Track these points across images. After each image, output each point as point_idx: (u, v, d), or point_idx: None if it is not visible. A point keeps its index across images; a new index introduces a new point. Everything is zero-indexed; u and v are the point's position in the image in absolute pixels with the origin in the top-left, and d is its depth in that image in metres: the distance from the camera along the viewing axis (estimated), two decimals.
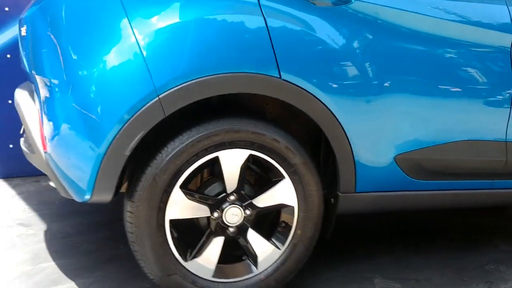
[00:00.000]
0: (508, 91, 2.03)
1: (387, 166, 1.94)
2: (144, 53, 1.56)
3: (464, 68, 1.96)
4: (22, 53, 2.05)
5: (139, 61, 1.56)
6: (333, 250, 2.34)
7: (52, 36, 1.64)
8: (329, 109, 1.78)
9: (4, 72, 3.16)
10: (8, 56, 3.16)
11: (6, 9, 3.11)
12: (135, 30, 1.57)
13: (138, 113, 1.58)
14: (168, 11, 1.61)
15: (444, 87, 1.94)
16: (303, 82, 1.72)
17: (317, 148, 2.00)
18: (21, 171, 3.30)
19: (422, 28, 1.90)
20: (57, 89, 1.64)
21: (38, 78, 1.72)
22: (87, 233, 2.45)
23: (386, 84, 1.85)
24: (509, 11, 2.02)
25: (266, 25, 1.67)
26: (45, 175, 3.12)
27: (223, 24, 1.64)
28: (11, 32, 3.14)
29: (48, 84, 1.67)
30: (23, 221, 2.56)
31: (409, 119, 1.91)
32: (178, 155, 1.66)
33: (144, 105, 1.58)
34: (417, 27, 1.89)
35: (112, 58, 1.59)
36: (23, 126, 2.09)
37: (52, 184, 1.92)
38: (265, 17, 1.67)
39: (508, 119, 2.06)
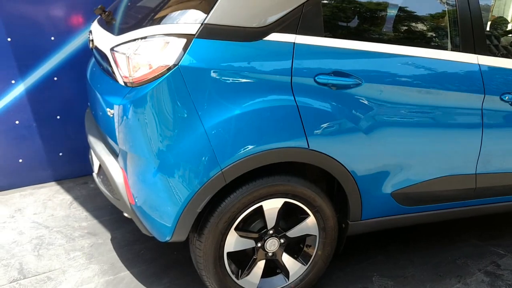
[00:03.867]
0: (478, 139, 2.63)
1: (386, 200, 2.58)
2: (211, 141, 2.12)
3: (445, 127, 2.54)
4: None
5: (208, 146, 2.12)
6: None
7: (141, 124, 2.16)
8: (343, 165, 2.37)
9: (54, 92, 3.64)
10: (55, 79, 3.62)
11: (52, 38, 3.53)
12: (203, 123, 2.11)
13: (207, 183, 2.16)
14: (227, 105, 2.14)
15: (430, 143, 2.53)
16: (324, 149, 2.30)
17: (330, 187, 2.60)
18: (71, 174, 3.87)
19: (415, 98, 2.45)
20: (145, 163, 2.20)
21: (129, 155, 2.26)
22: (144, 239, 3.06)
23: (385, 146, 2.43)
24: (482, 77, 2.57)
25: (299, 111, 2.21)
26: (91, 175, 3.73)
27: (269, 113, 2.18)
28: (57, 59, 3.59)
29: (138, 158, 2.23)
30: (90, 230, 3.16)
31: (401, 169, 2.52)
32: (233, 207, 2.26)
33: (211, 177, 2.16)
34: (412, 98, 2.44)
35: (187, 144, 2.13)
36: (99, 166, 2.64)
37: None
38: (298, 106, 2.21)
39: (478, 159, 2.68)
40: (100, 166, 2.65)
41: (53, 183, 3.80)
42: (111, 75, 2.35)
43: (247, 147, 2.17)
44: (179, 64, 2.07)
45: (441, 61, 2.50)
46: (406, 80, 2.43)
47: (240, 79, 2.15)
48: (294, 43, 2.21)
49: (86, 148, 3.80)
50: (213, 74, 2.11)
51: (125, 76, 2.18)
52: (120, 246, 3.00)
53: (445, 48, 2.59)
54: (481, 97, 2.58)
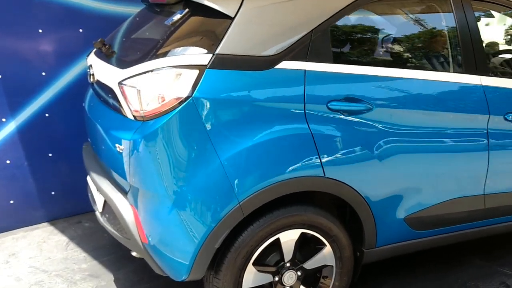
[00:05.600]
0: (485, 159, 2.64)
1: (399, 225, 2.54)
2: (228, 173, 2.06)
3: (453, 149, 2.55)
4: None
5: (224, 179, 2.06)
6: None
7: (154, 159, 2.08)
8: (357, 191, 2.34)
9: (45, 128, 3.53)
10: (47, 115, 3.52)
11: (43, 73, 3.44)
12: (219, 155, 2.06)
13: (225, 217, 2.09)
14: (242, 136, 2.09)
15: (438, 165, 2.53)
16: (340, 177, 2.27)
17: (341, 215, 2.56)
18: (64, 213, 3.73)
19: (422, 121, 2.45)
20: (159, 200, 2.12)
21: (141, 191, 2.18)
22: (148, 279, 2.94)
23: (397, 169, 2.42)
24: (485, 97, 2.60)
25: (314, 139, 2.18)
26: (84, 214, 3.61)
27: (285, 142, 2.14)
28: (48, 94, 3.49)
29: (151, 195, 2.14)
30: (91, 272, 3.03)
31: (413, 192, 2.51)
32: (251, 240, 2.19)
33: (229, 211, 2.09)
34: (420, 121, 2.44)
35: (203, 177, 2.07)
36: (103, 204, 2.54)
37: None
38: (313, 133, 2.18)
39: (485, 180, 2.69)
40: (105, 204, 2.56)
41: (46, 223, 3.65)
42: (118, 109, 2.28)
43: (265, 178, 2.12)
44: (192, 95, 2.03)
45: (446, 83, 2.52)
46: (412, 103, 2.43)
47: (254, 109, 2.11)
48: (305, 70, 2.19)
49: (79, 186, 3.69)
50: (227, 105, 2.08)
51: (136, 110, 2.12)
52: (125, 287, 2.88)
53: (448, 70, 2.60)
54: (486, 117, 2.60)
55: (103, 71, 2.46)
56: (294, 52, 2.18)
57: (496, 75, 2.80)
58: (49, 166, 3.61)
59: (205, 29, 2.21)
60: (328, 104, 2.22)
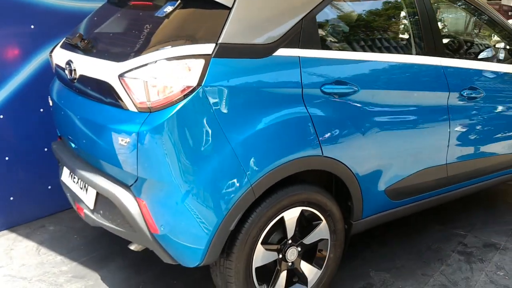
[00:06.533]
0: (447, 134, 2.94)
1: (381, 197, 2.77)
2: (239, 158, 2.14)
3: (422, 123, 2.81)
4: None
5: (236, 163, 2.14)
6: None
7: (166, 149, 2.09)
8: (349, 168, 2.52)
9: (2, 131, 3.34)
10: (1, 116, 3.33)
11: None
12: (230, 141, 2.13)
13: (239, 200, 2.17)
14: (250, 121, 2.17)
15: (410, 140, 2.80)
16: (335, 155, 2.44)
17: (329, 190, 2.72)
18: (25, 219, 3.55)
19: (395, 100, 2.68)
20: (172, 189, 2.13)
21: (150, 182, 2.17)
22: (136, 273, 2.92)
23: (379, 146, 2.63)
24: (445, 76, 2.89)
25: (312, 121, 2.32)
26: (46, 217, 3.48)
27: (288, 124, 2.26)
28: (1, 95, 3.31)
29: (163, 185, 2.15)
30: (74, 273, 2.93)
31: (391, 166, 2.74)
32: (259, 221, 2.29)
33: (243, 194, 2.17)
34: (394, 100, 2.68)
35: (216, 163, 2.13)
36: (95, 200, 2.49)
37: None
38: (311, 116, 2.32)
39: (447, 151, 2.99)
40: (96, 200, 2.51)
41: (6, 231, 3.46)
42: (113, 103, 2.25)
43: (273, 159, 2.23)
44: (202, 84, 2.07)
45: (414, 65, 2.78)
46: (388, 84, 2.66)
47: (259, 94, 2.21)
48: (299, 56, 2.32)
49: (39, 189, 3.56)
50: (233, 92, 2.15)
51: (141, 101, 2.12)
52: (116, 283, 2.84)
53: (414, 53, 2.86)
54: (447, 94, 2.89)
55: (91, 66, 2.40)
56: (289, 40, 2.30)
57: (452, 57, 3.10)
58: (6, 170, 3.42)
59: (203, 19, 2.24)
60: (322, 88, 2.37)
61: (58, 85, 2.88)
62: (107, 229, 2.48)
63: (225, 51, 2.13)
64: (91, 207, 2.55)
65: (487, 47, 3.44)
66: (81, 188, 2.64)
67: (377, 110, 2.59)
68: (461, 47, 3.50)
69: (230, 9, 2.19)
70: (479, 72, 3.16)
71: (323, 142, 2.37)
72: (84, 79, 2.46)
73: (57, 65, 2.80)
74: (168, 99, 2.09)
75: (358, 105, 2.51)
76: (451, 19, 3.96)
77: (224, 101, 2.13)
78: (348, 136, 2.49)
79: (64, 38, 2.86)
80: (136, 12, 2.59)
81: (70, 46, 2.66)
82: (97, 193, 2.46)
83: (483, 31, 3.83)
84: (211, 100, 2.10)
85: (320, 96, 2.37)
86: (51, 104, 2.92)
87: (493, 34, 3.57)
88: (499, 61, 3.31)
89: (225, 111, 2.13)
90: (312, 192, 2.45)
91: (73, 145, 2.66)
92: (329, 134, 2.40)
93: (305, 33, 2.35)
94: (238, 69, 2.17)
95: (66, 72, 2.57)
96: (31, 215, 3.60)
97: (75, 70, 2.51)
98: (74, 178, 2.72)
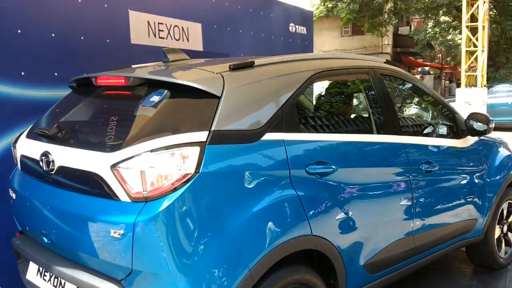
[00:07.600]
0: (411, 211, 3.13)
1: (361, 272, 2.84)
2: (237, 243, 2.14)
3: (390, 197, 2.99)
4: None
5: (234, 249, 2.14)
6: None
7: (164, 239, 2.04)
8: (333, 245, 2.59)
9: None
10: None
11: None
12: (227, 226, 2.13)
13: (238, 287, 2.14)
14: (245, 205, 2.20)
15: (381, 213, 2.94)
16: (321, 233, 2.51)
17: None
18: None
19: (365, 176, 2.84)
20: (170, 280, 2.05)
21: (145, 274, 2.08)
22: None
23: (357, 222, 2.74)
24: (405, 152, 3.12)
25: (301, 202, 2.40)
26: None
27: (281, 206, 2.32)
28: None
29: (160, 276, 2.07)
30: None
31: (368, 239, 2.85)
32: None
33: (242, 280, 2.15)
34: (364, 177, 2.83)
35: (215, 250, 2.11)
36: None
37: None
38: (300, 197, 2.39)
39: (412, 224, 3.16)
40: None
41: None
42: (100, 194, 2.20)
43: (269, 242, 2.25)
44: (200, 171, 2.10)
45: (380, 143, 2.99)
46: (360, 162, 2.84)
47: (253, 178, 2.27)
48: (283, 140, 2.43)
49: None
50: (229, 177, 2.19)
51: (137, 191, 2.09)
52: None
53: (378, 133, 3.07)
54: (408, 168, 3.11)
55: (74, 157, 2.34)
56: (273, 124, 2.41)
57: (409, 134, 3.36)
58: None
59: (193, 107, 2.30)
60: (306, 168, 2.48)
61: (23, 176, 2.75)
62: None
63: (218, 137, 2.19)
64: None
65: (429, 124, 3.77)
66: (55, 286, 2.47)
67: (353, 186, 2.73)
68: (412, 125, 3.81)
69: (219, 98, 2.27)
70: (430, 147, 3.43)
71: (311, 221, 2.44)
72: (63, 170, 2.39)
73: (24, 156, 2.70)
74: (166, 187, 2.08)
75: (337, 183, 2.63)
76: (399, 99, 4.30)
77: (221, 186, 2.16)
78: (330, 213, 2.58)
79: (32, 129, 2.77)
80: (115, 101, 2.60)
81: (44, 137, 2.59)
82: None
83: (424, 108, 4.18)
84: (209, 186, 2.12)
85: (305, 177, 2.47)
86: (14, 197, 2.77)
87: (434, 112, 3.92)
88: (439, 136, 3.61)
89: (221, 196, 2.16)
90: (304, 273, 2.48)
91: (45, 239, 2.51)
92: (315, 212, 2.48)
93: (286, 118, 2.48)
94: (231, 155, 2.23)
95: (42, 164, 2.48)
96: None
97: (53, 161, 2.43)
98: (45, 275, 2.55)
